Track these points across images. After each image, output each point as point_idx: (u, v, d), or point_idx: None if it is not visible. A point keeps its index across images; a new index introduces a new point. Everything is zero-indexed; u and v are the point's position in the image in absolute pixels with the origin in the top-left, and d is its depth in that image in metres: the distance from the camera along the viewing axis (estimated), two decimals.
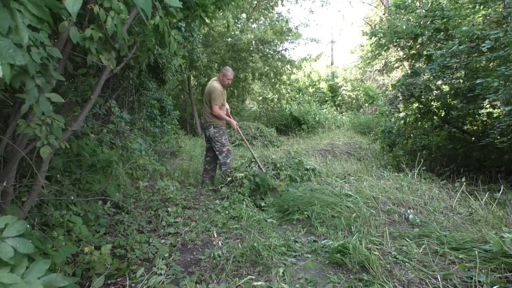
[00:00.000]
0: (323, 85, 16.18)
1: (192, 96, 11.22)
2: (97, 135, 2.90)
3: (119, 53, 1.83)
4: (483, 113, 4.41)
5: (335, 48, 27.91)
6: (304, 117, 11.18)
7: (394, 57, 7.66)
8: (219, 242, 2.52)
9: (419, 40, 5.21)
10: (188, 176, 4.58)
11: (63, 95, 1.51)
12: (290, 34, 10.59)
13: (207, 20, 2.58)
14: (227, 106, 4.15)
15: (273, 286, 1.88)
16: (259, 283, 1.92)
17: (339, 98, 15.23)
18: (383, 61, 9.74)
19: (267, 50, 11.03)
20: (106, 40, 1.63)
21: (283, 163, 4.34)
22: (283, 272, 2.03)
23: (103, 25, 1.48)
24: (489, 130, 3.80)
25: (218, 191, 3.76)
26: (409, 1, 5.63)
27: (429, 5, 5.12)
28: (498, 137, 3.64)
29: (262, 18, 10.99)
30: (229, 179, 3.80)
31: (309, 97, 13.85)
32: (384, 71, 10.25)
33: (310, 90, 14.75)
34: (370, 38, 6.20)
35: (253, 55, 10.63)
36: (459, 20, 4.64)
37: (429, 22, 4.99)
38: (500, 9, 4.01)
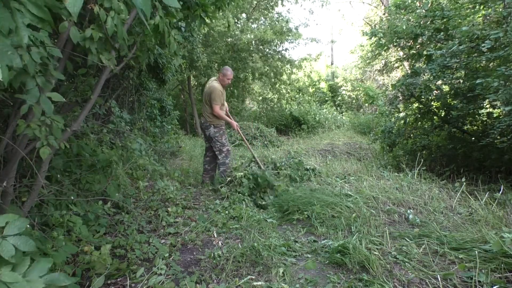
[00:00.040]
0: (323, 85, 16.19)
1: (192, 96, 11.23)
2: (97, 135, 2.90)
3: (119, 53, 1.83)
4: (483, 113, 4.41)
5: (335, 48, 27.89)
6: (304, 117, 11.18)
7: (394, 57, 7.66)
8: (219, 242, 2.52)
9: (419, 40, 5.21)
10: (188, 176, 4.58)
11: (63, 95, 1.51)
12: (290, 34, 10.60)
13: (207, 20, 2.59)
14: (226, 105, 4.16)
15: (273, 286, 1.88)
16: (259, 283, 1.92)
17: (339, 98, 15.23)
18: (383, 61, 9.73)
19: (267, 50, 11.03)
20: (106, 40, 1.63)
21: (283, 163, 4.35)
22: (283, 272, 2.03)
23: (103, 25, 1.48)
24: (489, 130, 3.80)
25: (218, 191, 3.76)
26: (409, 1, 5.63)
27: (429, 5, 5.12)
28: (498, 137, 3.64)
29: (262, 18, 10.99)
30: (229, 178, 3.81)
31: (309, 97, 13.87)
32: (384, 71, 10.24)
33: (310, 90, 14.77)
34: (370, 38, 6.20)
35: (253, 55, 10.63)
36: (459, 20, 4.64)
37: (429, 22, 4.99)
38: (500, 9, 4.01)
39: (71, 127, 1.78)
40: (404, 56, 6.34)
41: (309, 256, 2.31)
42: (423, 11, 5.11)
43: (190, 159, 5.93)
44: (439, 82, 4.57)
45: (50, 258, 1.47)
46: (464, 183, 3.40)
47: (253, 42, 10.64)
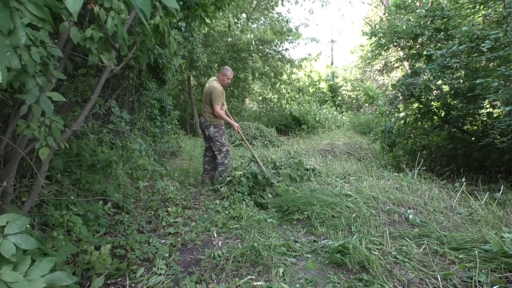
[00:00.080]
0: (323, 85, 16.19)
1: (192, 96, 11.23)
2: (97, 135, 2.91)
3: (119, 53, 1.83)
4: (483, 113, 4.41)
5: (335, 48, 27.88)
6: (304, 117, 11.18)
7: (394, 57, 7.66)
8: (219, 242, 2.52)
9: (419, 40, 5.21)
10: (188, 176, 4.58)
11: (63, 95, 1.51)
12: (290, 34, 10.60)
13: (207, 20, 2.59)
14: (225, 105, 4.15)
15: (273, 286, 1.88)
16: (259, 283, 1.92)
17: (339, 98, 15.23)
18: (383, 61, 9.74)
19: (267, 50, 11.03)
20: (106, 40, 1.63)
21: (283, 163, 4.35)
22: (283, 272, 2.03)
23: (103, 25, 1.48)
24: (489, 130, 3.80)
25: (218, 191, 3.76)
26: (409, 1, 5.63)
27: (429, 5, 5.12)
28: (498, 137, 3.64)
29: (262, 18, 10.99)
30: (228, 178, 3.81)
31: (309, 97, 13.86)
32: (384, 71, 10.24)
33: (310, 90, 14.76)
34: (370, 38, 6.20)
35: (253, 55, 10.63)
36: (459, 20, 4.64)
37: (429, 22, 4.99)
38: (500, 9, 4.01)
39: (71, 127, 1.78)
40: (404, 56, 6.35)
41: (309, 256, 2.31)
42: (423, 11, 5.11)
43: (190, 159, 5.93)
44: (439, 82, 4.58)
45: (52, 257, 1.47)
46: (464, 183, 3.40)
47: (253, 42, 10.65)
